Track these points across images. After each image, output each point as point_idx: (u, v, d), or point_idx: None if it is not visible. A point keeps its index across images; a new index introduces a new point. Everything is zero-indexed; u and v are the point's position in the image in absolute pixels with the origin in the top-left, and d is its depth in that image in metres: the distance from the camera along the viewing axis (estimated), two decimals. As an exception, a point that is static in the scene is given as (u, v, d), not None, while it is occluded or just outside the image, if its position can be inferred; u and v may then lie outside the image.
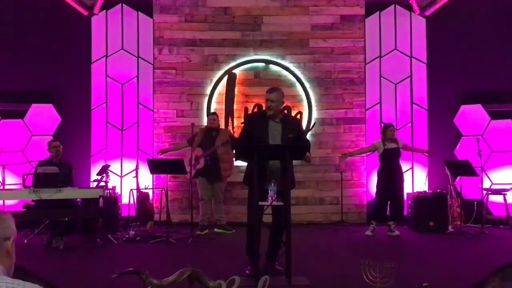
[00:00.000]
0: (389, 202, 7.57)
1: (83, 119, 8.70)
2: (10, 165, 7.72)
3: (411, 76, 9.02)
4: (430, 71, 8.96)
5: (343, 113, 8.90)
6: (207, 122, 7.75)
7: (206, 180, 7.61)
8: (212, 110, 8.56)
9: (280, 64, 8.86)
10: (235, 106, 8.72)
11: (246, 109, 8.68)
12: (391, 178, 7.49)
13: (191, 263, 3.77)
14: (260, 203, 4.54)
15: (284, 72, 8.87)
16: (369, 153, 8.36)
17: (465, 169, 7.53)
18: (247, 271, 4.66)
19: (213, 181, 7.65)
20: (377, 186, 7.64)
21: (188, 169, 7.33)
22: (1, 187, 7.10)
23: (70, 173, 6.95)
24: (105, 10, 8.83)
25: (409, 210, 8.21)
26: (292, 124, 5.06)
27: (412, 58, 9.03)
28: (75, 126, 8.64)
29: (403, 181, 7.67)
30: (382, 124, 8.49)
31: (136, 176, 8.25)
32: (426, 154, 8.29)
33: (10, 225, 1.70)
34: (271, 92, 4.93)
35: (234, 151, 5.19)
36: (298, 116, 8.72)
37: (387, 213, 7.60)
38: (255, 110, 8.52)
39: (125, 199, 8.37)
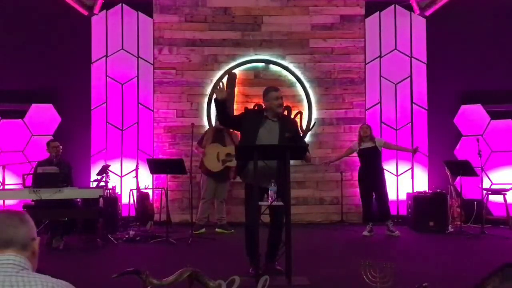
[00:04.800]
0: (375, 202, 7.53)
1: (83, 119, 8.70)
2: (10, 165, 7.73)
3: (411, 76, 9.02)
4: (430, 71, 8.97)
5: (343, 113, 8.90)
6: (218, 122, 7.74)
7: (213, 180, 7.61)
8: (212, 111, 8.55)
9: (280, 64, 8.86)
10: (235, 106, 8.72)
11: (246, 109, 8.67)
12: (369, 177, 7.43)
13: (191, 263, 3.77)
14: (260, 203, 4.54)
15: (284, 72, 8.87)
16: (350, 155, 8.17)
17: (465, 169, 7.52)
18: (250, 271, 4.66)
19: (221, 181, 7.65)
20: (358, 186, 7.65)
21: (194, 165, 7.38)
22: (1, 187, 7.10)
23: (70, 173, 6.94)
24: (105, 10, 8.84)
25: (409, 210, 8.21)
26: (290, 123, 5.06)
27: (412, 58, 9.03)
28: (75, 126, 8.65)
29: (383, 180, 7.53)
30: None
31: (136, 176, 8.25)
32: (413, 153, 8.08)
33: (34, 225, 1.77)
34: (277, 90, 4.96)
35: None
36: (298, 116, 8.73)
37: (375, 213, 7.54)
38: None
39: (125, 199, 8.38)
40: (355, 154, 7.83)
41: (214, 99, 4.85)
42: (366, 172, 7.48)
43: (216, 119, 8.01)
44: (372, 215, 7.48)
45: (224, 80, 8.75)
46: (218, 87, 4.88)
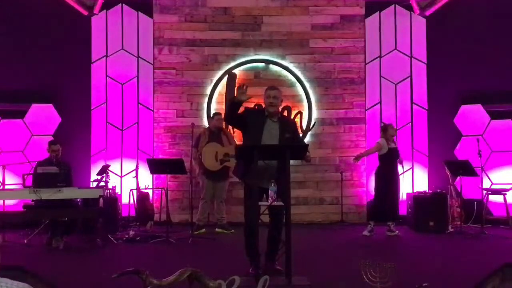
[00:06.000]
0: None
1: (83, 119, 8.70)
2: (10, 165, 7.72)
3: (411, 76, 9.02)
4: (430, 71, 8.97)
5: (343, 113, 8.90)
6: (216, 121, 7.69)
7: (212, 180, 7.61)
8: (212, 110, 8.55)
9: (280, 64, 8.86)
10: (235, 106, 8.69)
11: (246, 108, 8.64)
12: (392, 178, 7.46)
13: (191, 263, 3.77)
14: (260, 203, 4.53)
15: (284, 72, 8.87)
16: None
17: (465, 169, 7.53)
18: (250, 271, 4.65)
19: (219, 180, 7.65)
20: (379, 186, 7.52)
21: (195, 168, 7.34)
22: (1, 187, 7.10)
23: (69, 173, 6.94)
24: (105, 10, 8.84)
25: (409, 210, 8.21)
26: (289, 124, 5.06)
27: (412, 58, 9.03)
28: (75, 126, 8.65)
29: (399, 181, 7.66)
30: (382, 124, 8.49)
31: (136, 176, 8.26)
32: (400, 162, 7.81)
33: None
34: (272, 89, 4.93)
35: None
36: (298, 116, 8.73)
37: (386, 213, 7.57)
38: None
39: (125, 199, 8.37)
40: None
41: (234, 99, 4.79)
42: (389, 172, 7.45)
43: (211, 119, 8.00)
44: (384, 216, 7.47)
45: (224, 80, 8.76)
46: (242, 88, 4.73)
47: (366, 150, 8.27)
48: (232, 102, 4.83)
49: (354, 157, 7.84)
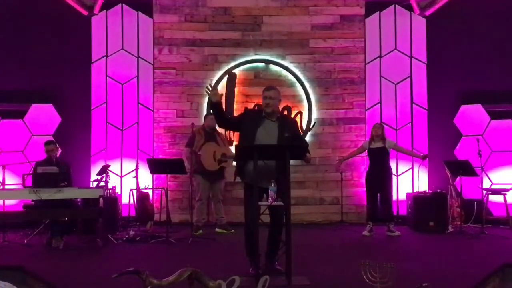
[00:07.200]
0: (379, 202, 7.56)
1: (83, 119, 8.70)
2: (10, 165, 7.72)
3: (411, 76, 9.02)
4: (430, 71, 8.97)
5: (343, 113, 8.91)
6: (209, 121, 7.66)
7: (208, 180, 7.60)
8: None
9: (280, 64, 8.86)
10: (235, 106, 8.72)
11: (246, 109, 8.66)
12: (376, 177, 7.45)
13: (191, 263, 3.77)
14: (260, 203, 4.53)
15: (284, 72, 8.87)
16: (362, 153, 8.24)
17: (465, 169, 7.53)
18: (250, 271, 4.66)
19: (214, 181, 7.64)
20: (365, 185, 7.69)
21: (188, 168, 7.31)
22: (1, 187, 7.10)
23: (69, 173, 6.94)
24: (105, 10, 8.84)
25: (409, 210, 8.21)
26: (289, 124, 5.05)
27: (412, 58, 9.04)
28: (75, 126, 8.65)
29: (389, 182, 7.56)
30: None
31: (136, 176, 8.26)
32: (423, 159, 7.91)
33: None
34: (269, 90, 4.93)
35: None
36: (298, 116, 8.73)
37: (378, 213, 7.58)
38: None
39: (125, 199, 8.38)
40: (362, 153, 7.92)
41: (210, 102, 4.81)
42: (373, 172, 7.50)
43: (204, 119, 7.97)
44: (376, 215, 7.49)
45: (224, 80, 8.77)
46: (211, 89, 4.71)
47: (350, 152, 8.19)
48: (210, 106, 4.84)
49: (337, 161, 7.90)
